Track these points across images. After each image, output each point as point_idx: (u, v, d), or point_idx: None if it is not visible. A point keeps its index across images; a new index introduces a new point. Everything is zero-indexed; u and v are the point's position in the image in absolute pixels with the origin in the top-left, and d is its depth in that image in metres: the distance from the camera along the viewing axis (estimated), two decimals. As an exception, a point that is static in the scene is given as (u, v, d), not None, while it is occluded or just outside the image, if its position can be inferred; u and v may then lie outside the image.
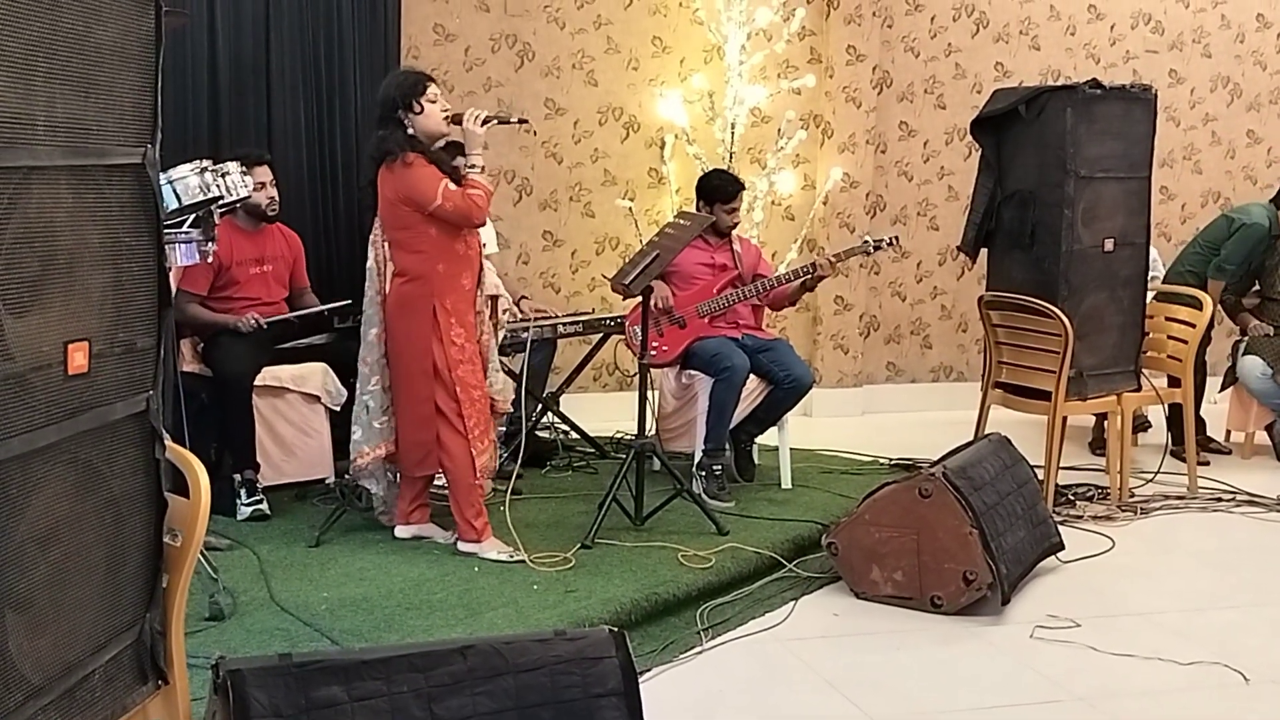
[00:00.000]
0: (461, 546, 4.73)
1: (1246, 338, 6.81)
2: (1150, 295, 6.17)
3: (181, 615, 2.66)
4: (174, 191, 4.06)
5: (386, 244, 4.70)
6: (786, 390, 5.69)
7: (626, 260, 5.42)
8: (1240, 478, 6.34)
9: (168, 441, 2.54)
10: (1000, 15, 7.93)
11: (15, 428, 2.09)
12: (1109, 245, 5.75)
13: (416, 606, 4.20)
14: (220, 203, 4.31)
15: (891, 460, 6.38)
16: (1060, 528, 5.10)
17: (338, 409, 5.46)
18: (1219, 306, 6.71)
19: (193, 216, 4.25)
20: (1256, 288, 6.93)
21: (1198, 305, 6.22)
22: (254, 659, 2.58)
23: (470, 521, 4.71)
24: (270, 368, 5.33)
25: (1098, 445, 6.72)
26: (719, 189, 5.87)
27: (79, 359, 2.24)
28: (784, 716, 3.73)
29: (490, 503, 5.12)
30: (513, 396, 6.10)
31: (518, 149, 7.05)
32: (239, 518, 5.07)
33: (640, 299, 5.14)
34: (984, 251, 6.09)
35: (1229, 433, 7.06)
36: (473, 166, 4.64)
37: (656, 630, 4.24)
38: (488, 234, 6.11)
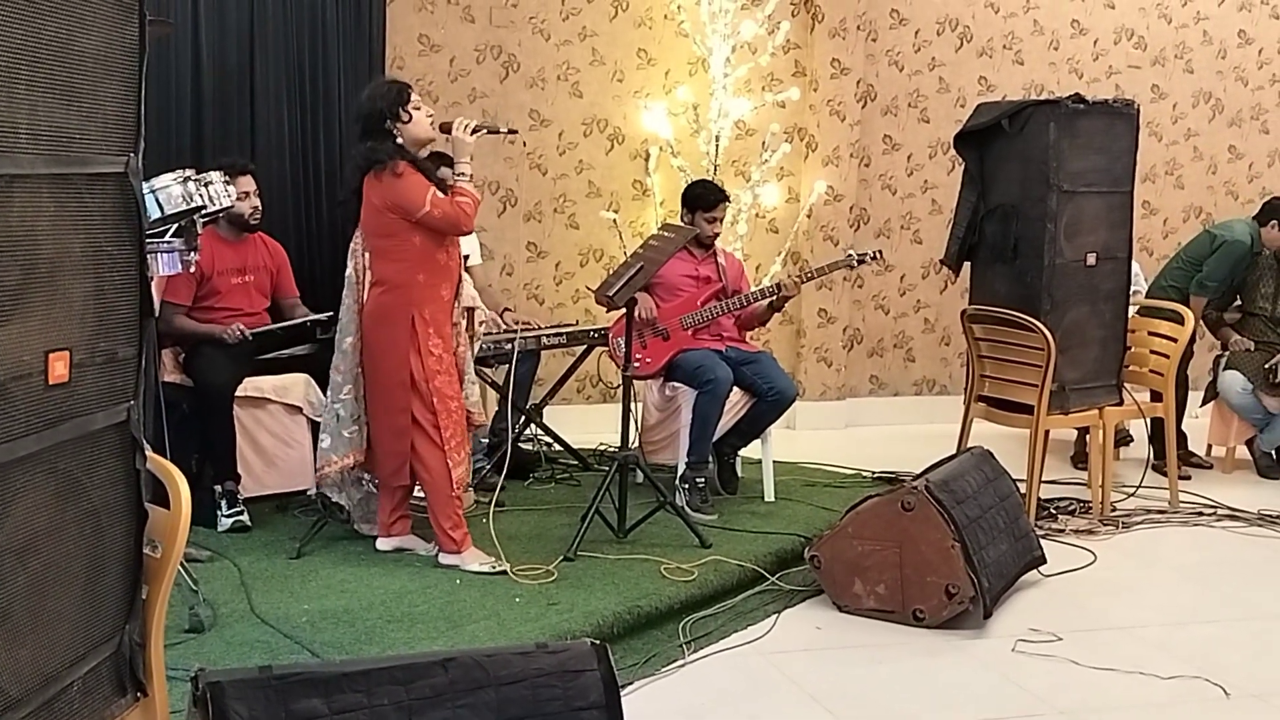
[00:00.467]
0: (443, 559, 4.71)
1: (1228, 353, 6.85)
2: (1132, 310, 6.20)
3: (161, 627, 2.64)
4: (157, 200, 4.05)
5: (367, 254, 4.69)
6: (770, 403, 5.69)
7: (610, 272, 5.42)
8: (1221, 492, 6.36)
9: (148, 452, 2.53)
10: (984, 30, 7.97)
11: (-6, 437, 2.07)
12: (1091, 259, 5.77)
13: (398, 619, 4.18)
14: (203, 212, 4.30)
15: (874, 473, 6.38)
16: (1042, 541, 5.11)
17: (319, 420, 5.43)
18: (1201, 322, 6.74)
19: (175, 226, 4.24)
20: (1238, 303, 6.97)
21: (1179, 320, 6.24)
22: (234, 671, 2.56)
23: (449, 533, 4.69)
24: (252, 378, 5.31)
25: (1080, 459, 6.74)
26: (700, 197, 5.87)
27: (59, 368, 2.23)
28: (766, 730, 3.73)
29: (474, 514, 5.11)
30: (495, 409, 6.11)
31: (502, 160, 7.04)
32: (220, 529, 5.05)
33: (624, 311, 5.14)
34: (967, 265, 6.11)
35: (1210, 447, 7.09)
36: (461, 175, 4.64)
37: (639, 643, 4.23)
38: (471, 245, 6.11)
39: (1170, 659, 4.27)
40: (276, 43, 6.02)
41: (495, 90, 6.99)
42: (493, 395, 6.14)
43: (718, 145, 7.15)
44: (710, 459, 5.71)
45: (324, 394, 5.35)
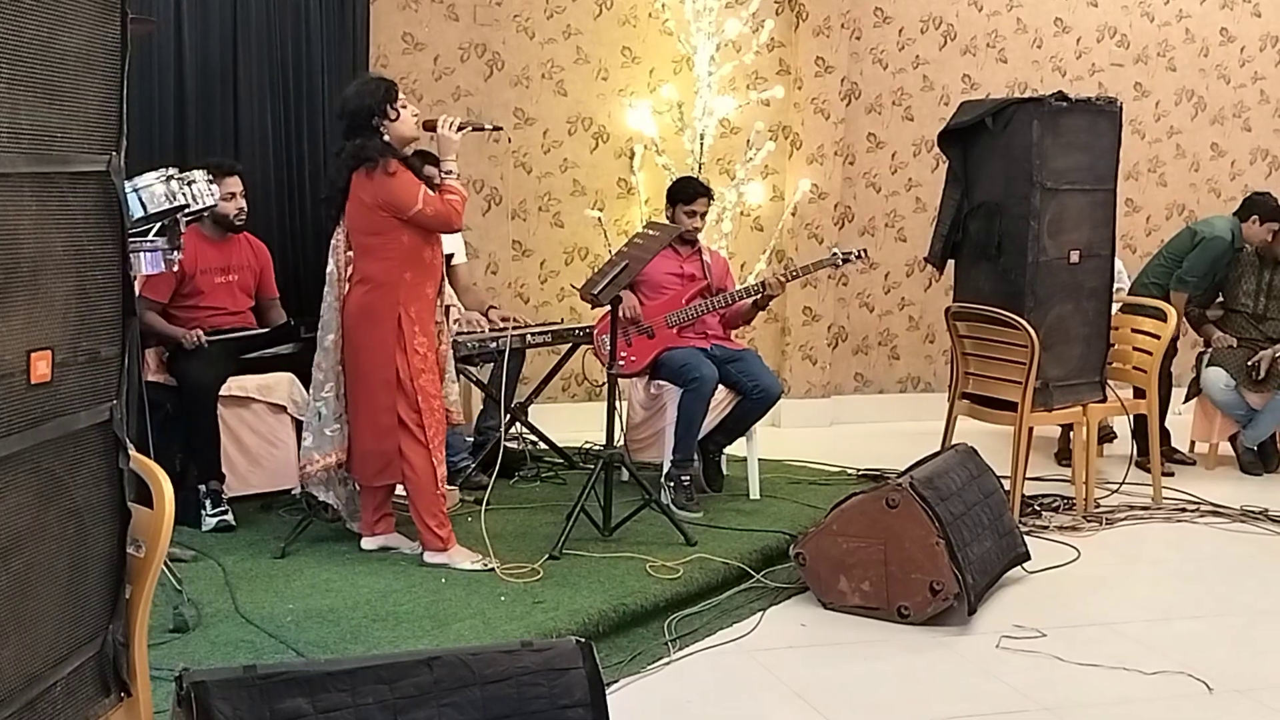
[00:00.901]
0: (429, 558, 4.70)
1: (1210, 349, 6.88)
2: (1115, 307, 6.22)
3: (144, 627, 2.63)
4: (139, 199, 4.03)
5: (350, 251, 4.69)
6: (755, 401, 5.70)
7: (595, 270, 5.42)
8: (1204, 488, 6.39)
9: (132, 451, 2.52)
10: (968, 28, 7.99)
11: (-24, 437, 2.07)
12: (1074, 257, 5.79)
13: (383, 618, 4.18)
14: (186, 211, 4.28)
15: (859, 471, 6.40)
16: (1026, 538, 5.13)
17: (304, 419, 5.43)
18: (1183, 318, 6.77)
19: (159, 225, 4.23)
20: (1220, 300, 7.00)
21: (1163, 317, 6.27)
22: (218, 670, 2.56)
23: (435, 531, 4.68)
24: (236, 378, 5.30)
25: (1063, 456, 6.76)
26: (679, 189, 5.89)
27: (42, 368, 2.22)
28: (751, 727, 3.74)
29: (460, 513, 5.11)
30: (481, 408, 6.11)
31: (487, 159, 7.04)
32: (204, 528, 5.04)
33: (608, 309, 5.14)
34: (951, 263, 6.12)
35: (1193, 443, 7.12)
36: (448, 172, 4.63)
37: (624, 641, 4.23)
38: (456, 244, 6.10)
39: (1153, 654, 4.29)
40: (260, 41, 6.00)
41: (479, 89, 6.98)
42: (478, 394, 6.13)
43: (702, 143, 7.15)
44: (695, 457, 5.72)
45: (308, 393, 5.35)
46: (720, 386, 5.62)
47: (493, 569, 4.63)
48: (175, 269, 4.57)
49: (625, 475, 5.49)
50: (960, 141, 5.96)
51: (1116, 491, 6.20)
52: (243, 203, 5.41)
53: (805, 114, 7.55)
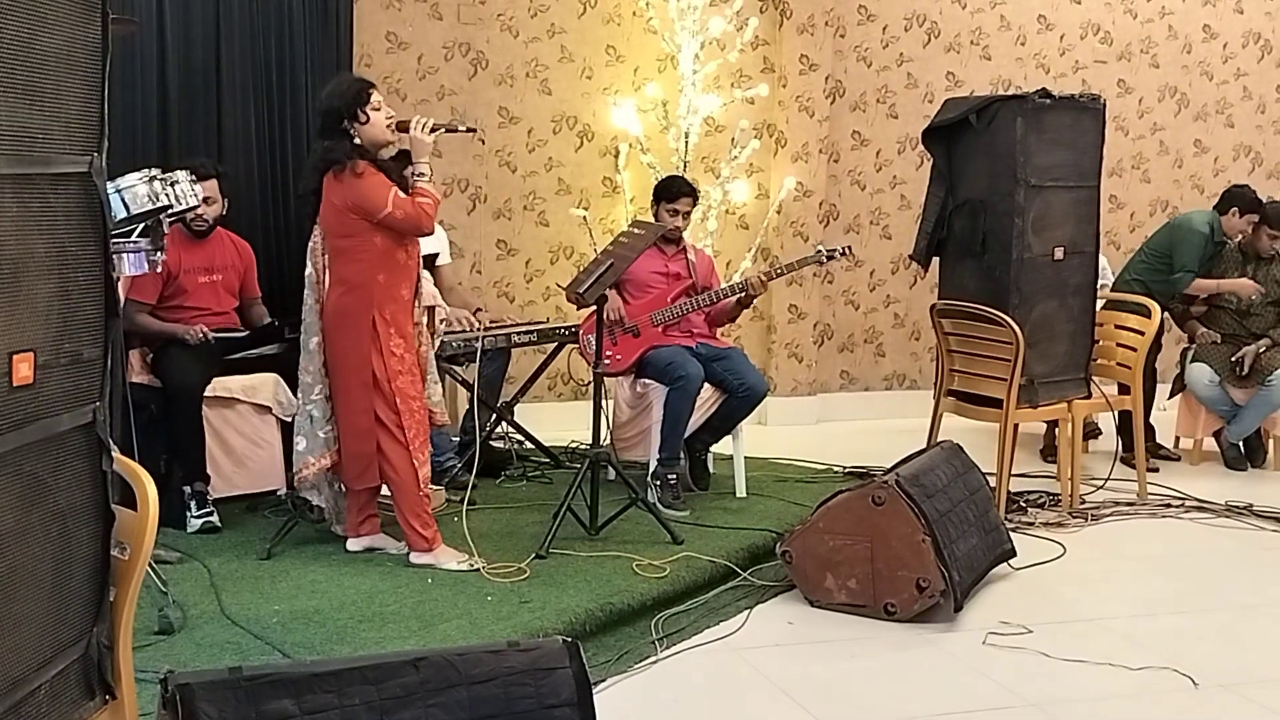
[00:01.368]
0: (414, 559, 4.69)
1: (1195, 345, 6.90)
2: (1100, 303, 6.23)
3: (129, 629, 2.63)
4: (122, 200, 4.01)
5: (326, 254, 4.67)
6: (741, 399, 5.70)
7: (581, 269, 5.42)
8: (1189, 484, 6.41)
9: (115, 453, 2.51)
10: (951, 25, 8.00)
11: (-42, 440, 2.06)
12: (1059, 254, 5.81)
13: (369, 619, 4.17)
14: (169, 211, 4.27)
15: (845, 468, 6.40)
16: (1012, 534, 5.13)
17: (289, 420, 5.40)
18: (1167, 315, 6.78)
19: (142, 225, 4.21)
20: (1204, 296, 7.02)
21: (1147, 313, 6.29)
22: (203, 672, 2.55)
23: (419, 532, 4.68)
24: (220, 378, 5.28)
25: (1049, 452, 6.78)
26: (663, 188, 5.90)
27: (24, 370, 2.21)
28: (739, 725, 3.74)
29: (446, 513, 5.10)
30: (466, 408, 6.10)
31: (471, 158, 7.03)
32: (189, 530, 5.02)
33: (594, 308, 5.13)
34: (936, 260, 6.13)
35: (1178, 439, 7.14)
36: (420, 175, 4.60)
37: (611, 640, 4.22)
38: (440, 243, 6.10)
39: (1139, 650, 4.30)
40: (243, 41, 5.98)
41: (463, 88, 6.97)
42: (464, 393, 6.13)
43: (687, 142, 7.15)
44: (682, 455, 5.72)
45: (294, 394, 5.34)
46: (706, 385, 5.62)
47: (479, 569, 4.62)
48: (159, 270, 4.55)
49: (611, 474, 5.48)
50: (944, 139, 5.97)
51: (1102, 488, 6.22)
52: (213, 209, 5.35)
53: (790, 112, 7.55)
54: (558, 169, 7.22)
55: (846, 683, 4.02)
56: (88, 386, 2.43)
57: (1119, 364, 6.28)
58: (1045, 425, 6.86)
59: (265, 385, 5.42)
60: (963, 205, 5.87)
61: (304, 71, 6.13)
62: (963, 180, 5.91)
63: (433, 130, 4.62)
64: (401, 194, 4.53)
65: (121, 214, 4.02)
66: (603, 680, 3.87)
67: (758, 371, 5.90)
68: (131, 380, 5.02)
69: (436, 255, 5.98)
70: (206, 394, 5.19)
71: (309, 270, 4.70)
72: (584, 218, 7.19)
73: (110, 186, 3.73)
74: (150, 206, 4.12)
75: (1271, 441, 6.97)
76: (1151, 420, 6.74)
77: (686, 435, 5.68)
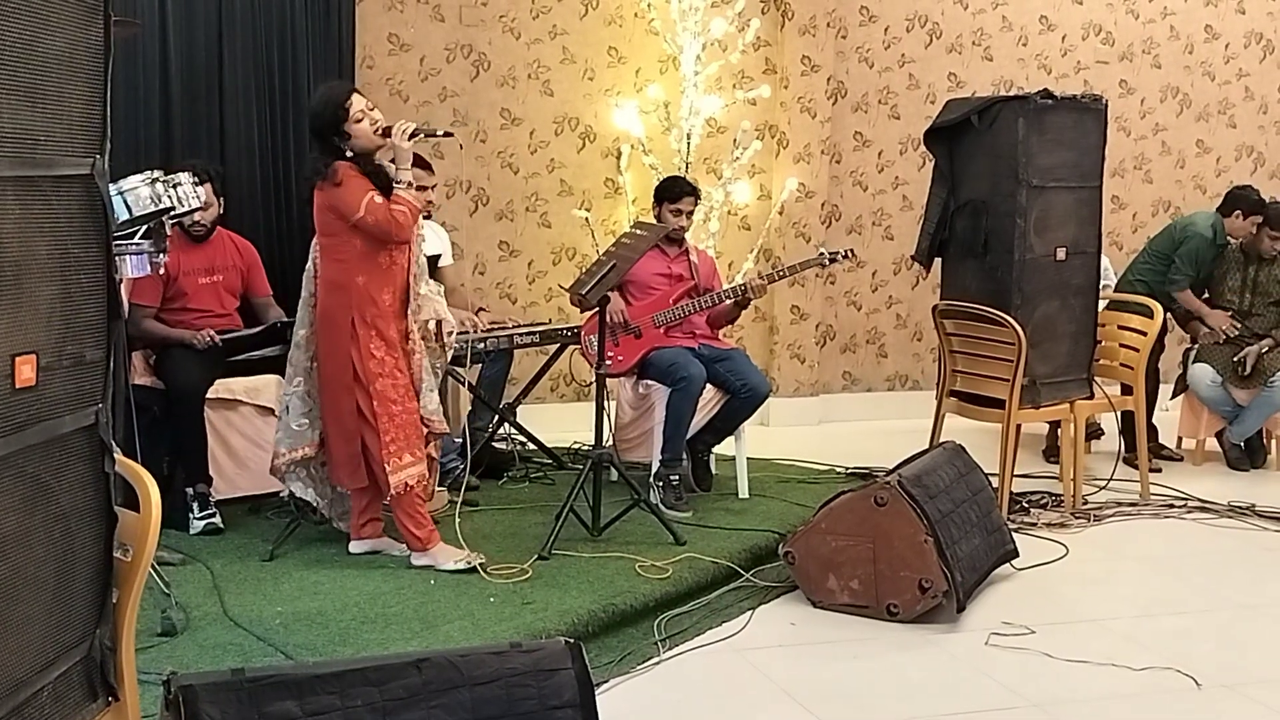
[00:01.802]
0: (415, 560, 4.69)
1: (1197, 346, 6.89)
2: (1102, 304, 6.23)
3: (132, 631, 2.63)
4: (125, 202, 4.02)
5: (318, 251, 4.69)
6: (743, 400, 5.70)
7: (583, 270, 5.41)
8: (1192, 484, 6.41)
9: (118, 455, 2.52)
10: (953, 26, 8.00)
11: (-39, 442, 2.06)
12: (1061, 254, 5.81)
13: (372, 620, 4.17)
14: (172, 213, 4.27)
15: (848, 469, 6.40)
16: (1014, 535, 5.13)
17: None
18: (1170, 315, 6.78)
19: (144, 227, 4.22)
20: (1206, 296, 7.01)
21: (1149, 313, 6.29)
22: (206, 674, 2.55)
23: (413, 532, 4.67)
24: (223, 380, 5.29)
25: (1051, 453, 6.77)
26: (666, 188, 5.90)
27: (26, 372, 2.21)
28: (741, 726, 3.74)
29: (450, 514, 5.11)
30: (469, 409, 6.09)
31: (474, 159, 7.03)
32: (191, 532, 5.02)
33: (596, 309, 5.13)
34: (938, 261, 6.13)
35: (1180, 440, 7.14)
36: (398, 182, 4.55)
37: (614, 641, 4.23)
38: (443, 245, 6.10)
39: (1142, 650, 4.30)
40: (245, 42, 5.99)
41: (465, 89, 6.97)
42: (466, 394, 6.12)
43: (689, 143, 7.15)
44: (684, 456, 5.72)
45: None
46: (708, 386, 5.62)
47: (476, 566, 4.62)
48: (161, 272, 4.55)
49: (614, 475, 5.49)
50: (946, 140, 5.97)
51: (1104, 488, 6.22)
52: (209, 212, 5.34)
53: (791, 113, 7.55)
54: (560, 170, 7.22)
55: (849, 683, 4.02)
56: (90, 388, 2.43)
57: (1121, 364, 6.27)
58: (1048, 426, 6.85)
59: (267, 387, 5.42)
60: (965, 206, 5.87)
61: (306, 73, 6.14)
62: (964, 181, 5.91)
63: (412, 136, 4.56)
64: (379, 199, 4.49)
65: (124, 216, 4.03)
66: (605, 681, 3.87)
67: (760, 372, 5.90)
68: (134, 382, 5.04)
69: (439, 256, 5.98)
70: (209, 395, 5.20)
71: (308, 264, 4.72)
72: (586, 219, 7.19)
73: (112, 188, 3.72)
74: (152, 208, 4.13)
75: (1274, 442, 6.97)
76: (1154, 421, 6.74)
77: (689, 436, 5.68)
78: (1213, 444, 7.02)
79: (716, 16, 7.12)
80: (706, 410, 5.70)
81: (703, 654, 4.20)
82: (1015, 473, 5.86)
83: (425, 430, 4.73)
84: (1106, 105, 6.00)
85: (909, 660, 4.20)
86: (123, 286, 4.47)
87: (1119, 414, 6.53)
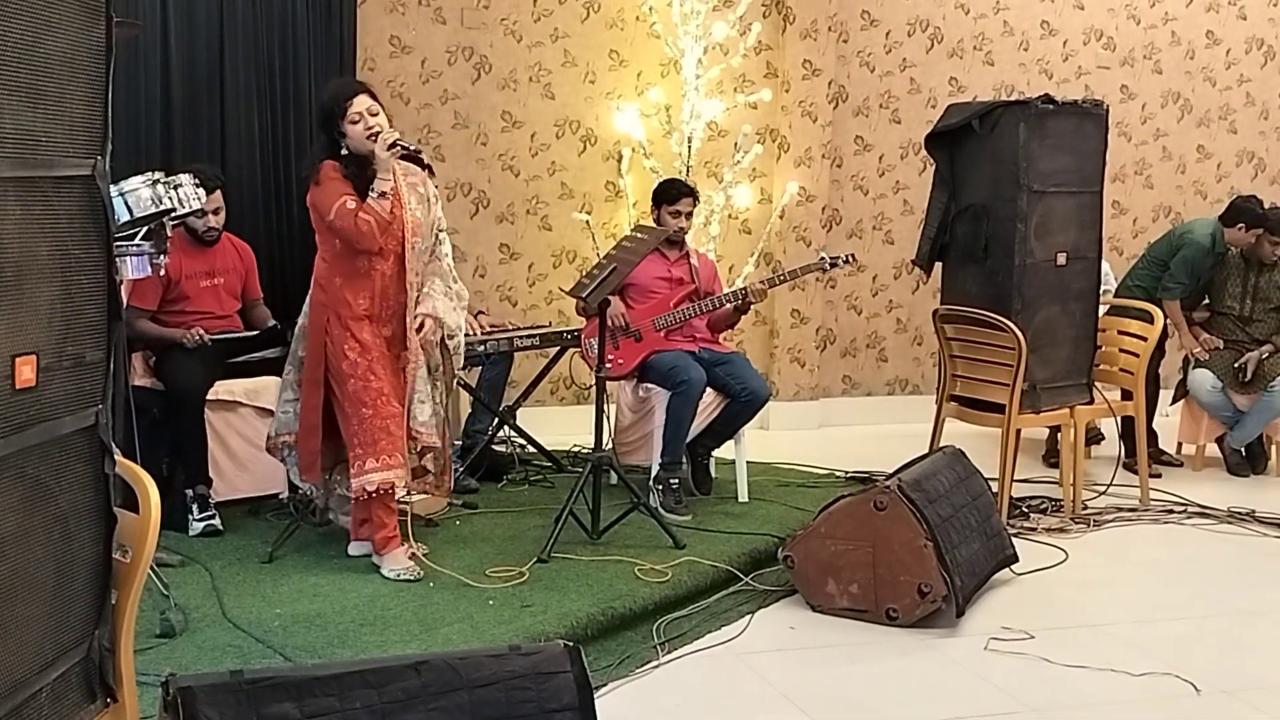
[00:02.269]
0: (373, 558, 4.70)
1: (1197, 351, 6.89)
2: (1102, 309, 6.23)
3: (131, 632, 2.63)
4: (125, 203, 4.02)
5: None
6: (743, 403, 5.70)
7: (584, 273, 5.41)
8: (1191, 490, 6.40)
9: (117, 456, 2.51)
10: (954, 31, 8.00)
11: (-40, 442, 2.06)
12: (1061, 259, 5.80)
13: (371, 622, 4.17)
14: (173, 215, 4.27)
15: (847, 473, 6.40)
16: (1014, 540, 5.13)
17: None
18: (1170, 321, 6.77)
19: (145, 229, 4.21)
20: (1206, 302, 7.01)
21: (1149, 319, 6.28)
22: (205, 676, 2.55)
23: (374, 535, 4.67)
24: (223, 382, 5.29)
25: (1051, 458, 6.77)
26: (663, 190, 5.90)
27: (26, 373, 2.21)
28: (740, 730, 3.74)
29: (448, 516, 5.11)
30: (469, 411, 6.10)
31: (474, 161, 7.03)
32: (191, 533, 5.02)
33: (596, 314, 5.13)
34: (938, 265, 6.13)
35: (1180, 445, 7.13)
36: (373, 190, 4.51)
37: (613, 644, 4.22)
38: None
39: (1141, 656, 4.30)
40: (246, 44, 5.99)
41: (467, 91, 6.98)
42: (466, 397, 6.13)
43: (690, 146, 7.15)
44: (684, 460, 5.71)
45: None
46: (708, 389, 5.62)
47: (417, 580, 4.58)
48: (161, 273, 4.55)
49: (614, 478, 5.48)
50: (947, 144, 5.97)
51: (1104, 493, 6.21)
52: (218, 220, 5.38)
53: (793, 117, 7.55)
54: (560, 173, 7.22)
55: (848, 688, 4.01)
56: (90, 389, 2.43)
57: (1121, 369, 6.27)
58: (1048, 430, 6.85)
59: (267, 388, 5.41)
60: (965, 210, 5.87)
61: (307, 75, 6.14)
62: (965, 185, 5.91)
63: (390, 147, 4.52)
64: (351, 204, 4.48)
65: (124, 217, 4.03)
66: (604, 684, 3.86)
67: (760, 376, 5.90)
68: (134, 383, 5.04)
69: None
70: (209, 397, 5.20)
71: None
72: (587, 222, 7.19)
73: (113, 189, 3.73)
74: (153, 210, 4.13)
75: (1274, 448, 6.96)
76: (1154, 426, 6.74)
77: (688, 440, 5.68)
78: (1213, 449, 7.02)
79: (718, 20, 7.13)
80: (706, 414, 5.70)
81: (702, 658, 4.20)
82: (1015, 477, 5.86)
83: (415, 440, 4.68)
84: (1107, 110, 6.00)
85: (908, 665, 4.20)
86: (122, 288, 4.47)
87: (1119, 419, 6.53)
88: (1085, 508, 6.02)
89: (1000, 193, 5.70)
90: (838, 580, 4.53)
